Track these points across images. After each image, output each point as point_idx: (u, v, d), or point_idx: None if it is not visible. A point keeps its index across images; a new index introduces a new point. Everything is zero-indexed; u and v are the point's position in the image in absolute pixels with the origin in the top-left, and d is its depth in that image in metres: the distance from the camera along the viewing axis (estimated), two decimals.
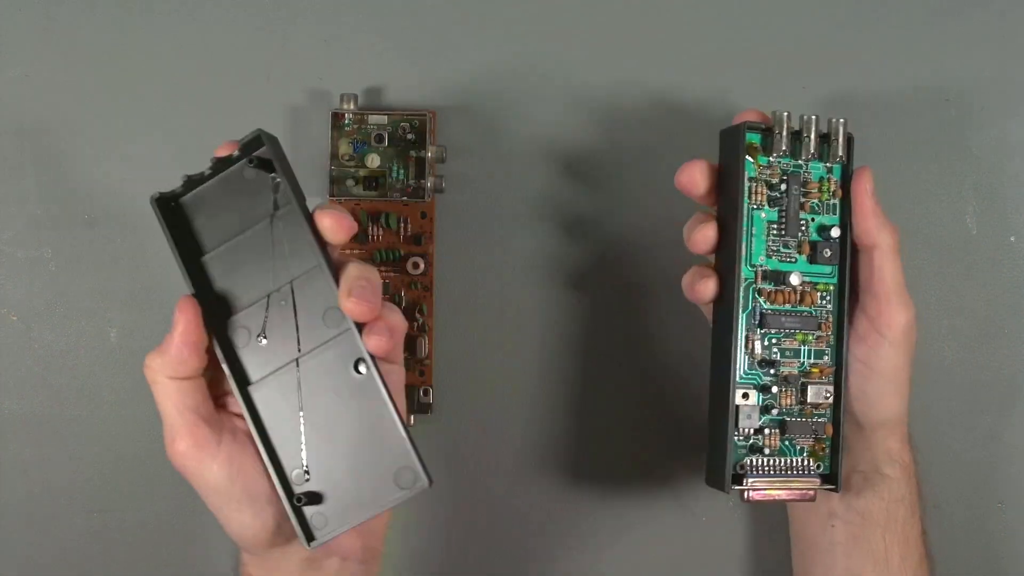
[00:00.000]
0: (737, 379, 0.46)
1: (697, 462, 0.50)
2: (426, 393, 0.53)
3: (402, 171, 0.52)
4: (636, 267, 0.53)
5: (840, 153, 0.46)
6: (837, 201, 0.46)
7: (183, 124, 0.54)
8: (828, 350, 0.47)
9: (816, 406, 0.47)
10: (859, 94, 0.53)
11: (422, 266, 0.52)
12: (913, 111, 0.53)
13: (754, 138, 0.45)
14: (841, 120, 0.46)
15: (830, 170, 0.46)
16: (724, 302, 0.46)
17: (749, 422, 0.46)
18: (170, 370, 0.41)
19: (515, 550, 0.54)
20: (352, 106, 0.52)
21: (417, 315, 0.53)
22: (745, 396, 0.46)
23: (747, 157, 0.45)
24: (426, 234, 0.53)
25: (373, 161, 0.52)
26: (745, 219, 0.45)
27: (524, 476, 0.54)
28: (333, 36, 0.54)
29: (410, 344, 0.52)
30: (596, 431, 0.53)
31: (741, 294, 0.45)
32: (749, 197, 0.45)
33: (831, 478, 0.47)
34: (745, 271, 0.46)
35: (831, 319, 0.46)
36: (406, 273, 0.53)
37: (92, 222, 0.53)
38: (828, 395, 0.46)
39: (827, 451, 0.47)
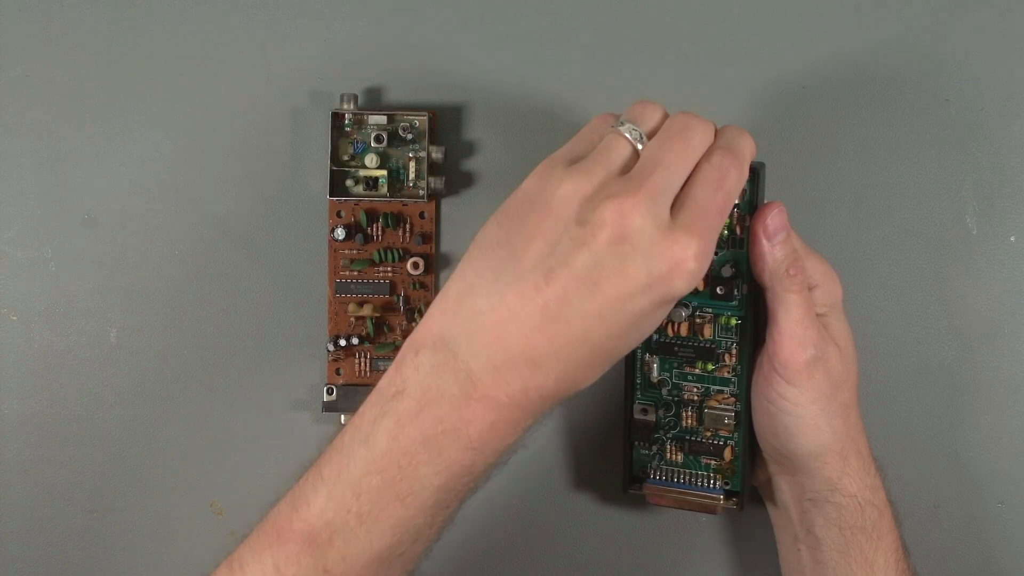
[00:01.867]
0: (636, 396, 0.49)
1: None
2: None
3: (402, 171, 0.52)
4: None
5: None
6: (744, 237, 0.46)
7: (183, 124, 0.54)
8: (734, 379, 0.48)
9: (716, 430, 0.48)
10: (859, 94, 0.53)
11: (422, 266, 0.52)
12: (913, 111, 0.53)
13: None
14: None
15: (736, 206, 0.46)
16: None
17: (647, 434, 0.49)
18: None
19: (515, 551, 0.54)
20: (352, 106, 0.52)
21: (417, 315, 0.53)
22: (644, 411, 0.49)
23: None
24: (426, 234, 0.53)
25: (373, 161, 0.52)
26: None
27: (525, 476, 0.54)
28: (333, 36, 0.54)
29: None
30: (597, 430, 0.53)
31: None
32: None
33: (739, 494, 0.49)
34: None
35: (736, 349, 0.48)
36: (406, 273, 0.53)
37: (92, 222, 0.54)
38: (729, 420, 0.48)
39: (735, 470, 0.49)
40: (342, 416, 0.52)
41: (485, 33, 0.54)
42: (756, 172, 0.46)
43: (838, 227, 0.53)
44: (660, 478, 0.50)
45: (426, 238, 0.53)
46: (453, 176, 0.53)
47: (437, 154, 0.52)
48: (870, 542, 0.46)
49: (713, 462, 0.49)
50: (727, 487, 0.49)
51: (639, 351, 0.49)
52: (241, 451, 0.53)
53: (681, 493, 0.49)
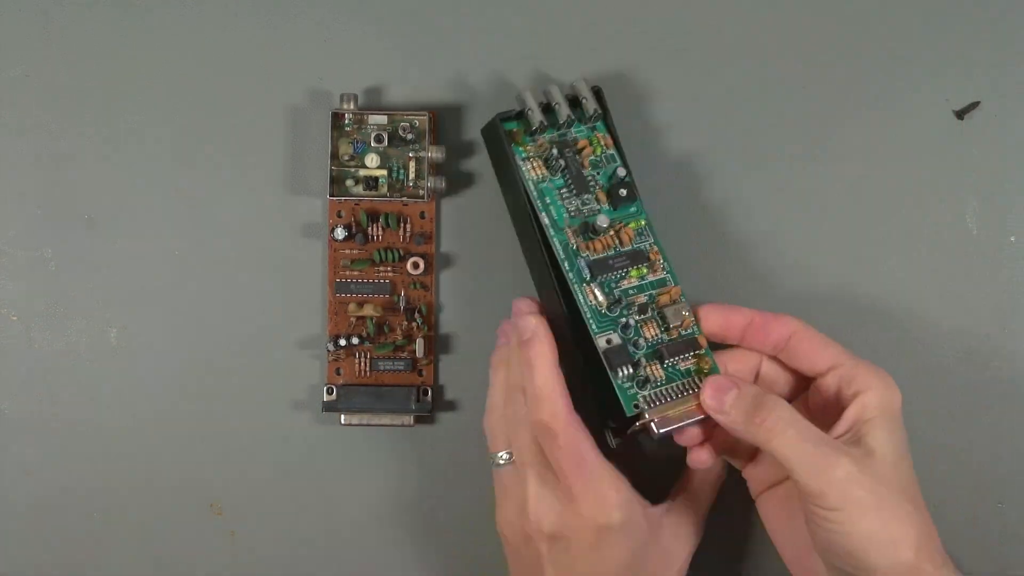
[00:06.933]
0: (593, 331, 0.48)
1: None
2: (425, 393, 0.53)
3: (402, 171, 0.52)
4: None
5: (593, 109, 0.50)
6: (613, 150, 0.50)
7: (183, 124, 0.54)
8: (667, 275, 0.49)
9: (680, 325, 0.49)
10: (860, 94, 0.53)
11: (422, 266, 0.52)
12: (913, 111, 0.53)
13: (511, 125, 0.50)
14: (582, 80, 0.50)
15: (593, 128, 0.51)
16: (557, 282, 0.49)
17: (625, 356, 0.48)
18: None
19: None
20: (352, 106, 0.52)
21: (417, 315, 0.53)
22: (608, 341, 0.48)
23: (513, 144, 0.50)
24: (426, 234, 0.53)
25: (373, 161, 0.52)
26: (536, 196, 0.49)
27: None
28: (333, 36, 0.54)
29: (410, 344, 0.53)
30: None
31: (562, 255, 0.49)
32: (532, 176, 0.50)
33: None
34: (559, 236, 0.49)
35: (657, 247, 0.49)
36: (406, 273, 0.53)
37: (92, 222, 0.54)
38: (687, 312, 0.49)
39: (711, 361, 0.49)
40: (342, 416, 0.52)
41: (485, 33, 0.54)
42: (597, 93, 0.50)
43: (838, 227, 0.53)
44: (654, 404, 0.47)
45: (426, 238, 0.53)
46: (453, 176, 0.53)
47: (437, 154, 0.52)
48: None
49: (690, 363, 0.48)
50: None
51: (576, 286, 0.48)
52: (241, 451, 0.54)
53: (680, 406, 0.47)
